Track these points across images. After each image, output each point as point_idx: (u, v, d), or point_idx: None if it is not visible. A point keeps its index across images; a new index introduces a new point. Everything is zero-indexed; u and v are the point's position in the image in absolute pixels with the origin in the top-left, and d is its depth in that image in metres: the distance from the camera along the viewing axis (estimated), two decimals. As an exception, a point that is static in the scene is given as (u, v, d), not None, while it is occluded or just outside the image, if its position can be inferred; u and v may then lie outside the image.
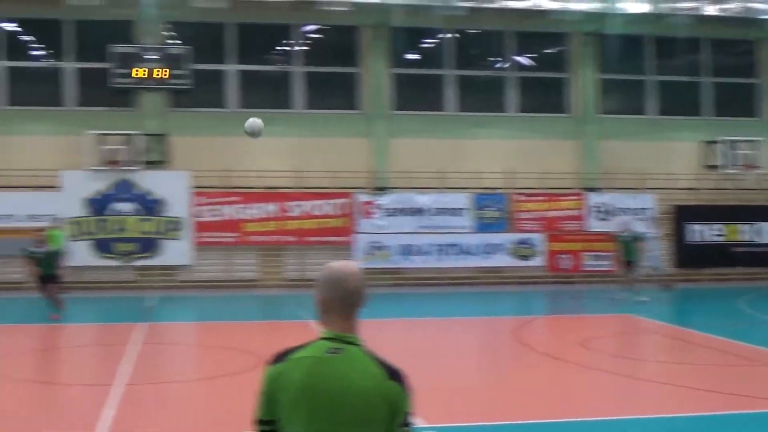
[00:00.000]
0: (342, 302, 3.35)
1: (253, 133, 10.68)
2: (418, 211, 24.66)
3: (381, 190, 24.77)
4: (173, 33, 24.80)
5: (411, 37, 26.40)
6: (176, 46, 23.62)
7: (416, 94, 26.73)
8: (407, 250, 24.46)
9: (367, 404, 3.24)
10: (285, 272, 24.10)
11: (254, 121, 10.62)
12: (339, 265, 3.43)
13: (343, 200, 24.36)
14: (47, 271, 18.01)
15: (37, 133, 23.57)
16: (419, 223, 24.56)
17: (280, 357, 3.35)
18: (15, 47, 24.64)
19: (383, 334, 13.71)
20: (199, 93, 24.15)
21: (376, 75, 25.57)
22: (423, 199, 24.74)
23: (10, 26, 24.69)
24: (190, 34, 24.64)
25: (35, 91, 24.76)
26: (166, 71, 22.94)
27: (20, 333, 16.22)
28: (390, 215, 24.52)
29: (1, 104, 24.30)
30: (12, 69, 24.28)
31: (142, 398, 10.23)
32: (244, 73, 25.20)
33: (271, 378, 3.32)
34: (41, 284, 18.03)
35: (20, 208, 22.68)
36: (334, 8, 24.10)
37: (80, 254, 22.69)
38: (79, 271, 22.16)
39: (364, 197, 24.54)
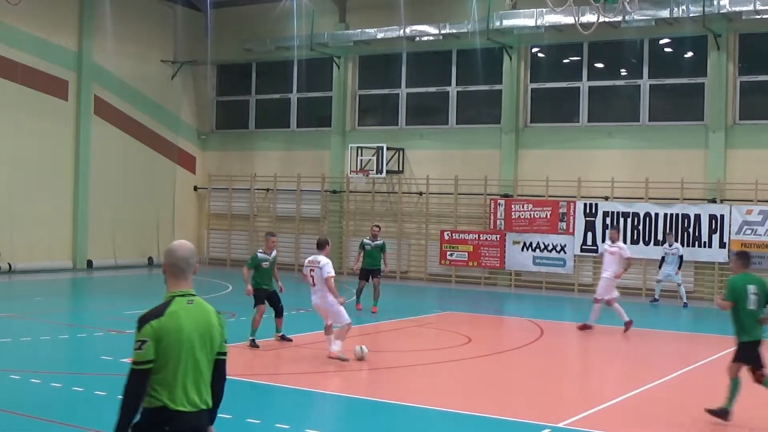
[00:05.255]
0: (187, 267, 5.16)
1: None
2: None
3: (713, 201, 25.21)
4: None
5: (758, 44, 25.91)
6: None
7: (763, 103, 26.06)
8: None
9: (216, 331, 5.17)
10: None
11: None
12: (178, 243, 5.23)
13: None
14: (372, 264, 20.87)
15: None
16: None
17: (157, 314, 4.97)
18: None
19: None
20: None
21: (718, 85, 25.51)
22: None
23: None
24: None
25: None
26: None
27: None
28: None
29: None
30: None
31: None
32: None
33: (156, 328, 4.91)
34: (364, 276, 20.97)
35: None
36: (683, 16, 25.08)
37: None
38: None
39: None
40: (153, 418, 5.00)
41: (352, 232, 30.67)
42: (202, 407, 5.11)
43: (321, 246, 14.46)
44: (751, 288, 10.54)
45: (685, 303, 23.83)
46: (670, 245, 24.29)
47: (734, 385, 10.67)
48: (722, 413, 10.64)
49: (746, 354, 10.64)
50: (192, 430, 5.08)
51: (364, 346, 14.58)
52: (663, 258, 24.46)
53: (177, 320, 5.02)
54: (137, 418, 5.02)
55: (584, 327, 18.54)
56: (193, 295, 5.19)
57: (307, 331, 16.67)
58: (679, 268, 24.08)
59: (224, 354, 5.29)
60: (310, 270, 14.20)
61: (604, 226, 26.38)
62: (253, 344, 15.37)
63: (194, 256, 5.26)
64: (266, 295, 15.71)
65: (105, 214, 30.61)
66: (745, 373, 10.82)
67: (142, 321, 4.99)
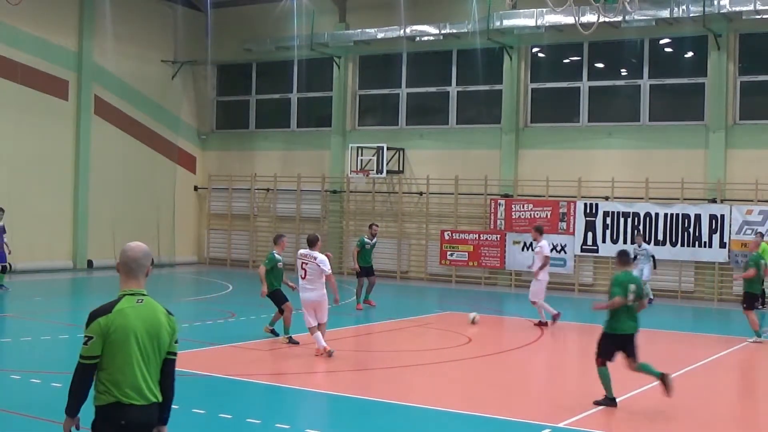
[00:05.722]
0: (138, 267, 5.40)
1: None
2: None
3: (713, 201, 25.18)
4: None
5: (759, 44, 25.82)
6: None
7: (763, 103, 26.01)
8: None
9: (165, 331, 5.37)
10: None
11: None
12: (132, 244, 5.48)
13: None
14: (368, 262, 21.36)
15: None
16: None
17: (104, 311, 5.22)
18: None
19: None
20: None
21: (718, 85, 25.47)
22: None
23: None
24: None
25: None
26: None
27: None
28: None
29: None
30: None
31: None
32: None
33: (103, 325, 5.17)
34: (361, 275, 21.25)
35: None
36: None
37: None
38: None
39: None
40: (108, 413, 5.24)
41: (352, 232, 30.66)
42: (153, 400, 5.34)
43: (313, 243, 14.75)
44: (632, 286, 11.41)
45: (650, 299, 23.82)
46: (639, 246, 24.35)
47: (643, 368, 11.48)
48: (666, 384, 11.28)
49: (605, 342, 11.53)
50: (146, 422, 5.33)
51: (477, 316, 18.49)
52: (635, 257, 24.51)
53: (124, 318, 5.27)
54: (94, 416, 5.30)
55: (555, 319, 18.97)
56: (144, 294, 5.44)
57: (307, 331, 16.64)
58: (655, 267, 24.25)
59: (174, 354, 5.49)
60: (303, 263, 14.53)
61: (605, 227, 26.41)
62: (291, 341, 15.64)
63: (147, 257, 5.50)
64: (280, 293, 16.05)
65: (105, 214, 30.59)
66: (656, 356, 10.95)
67: (91, 318, 5.27)
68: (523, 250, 27.53)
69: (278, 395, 12.26)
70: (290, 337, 15.77)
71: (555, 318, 18.98)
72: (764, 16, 24.79)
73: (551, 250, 26.84)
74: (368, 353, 16.26)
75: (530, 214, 27.44)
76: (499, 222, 28.04)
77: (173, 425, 10.09)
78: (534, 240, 19.64)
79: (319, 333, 14.48)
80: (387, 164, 29.23)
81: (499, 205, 28.05)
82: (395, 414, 11.12)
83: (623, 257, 11.91)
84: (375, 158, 29.27)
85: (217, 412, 10.61)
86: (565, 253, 26.89)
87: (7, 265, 23.69)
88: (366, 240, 21.57)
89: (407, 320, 19.92)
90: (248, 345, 15.64)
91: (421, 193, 29.99)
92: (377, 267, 23.03)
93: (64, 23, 29.97)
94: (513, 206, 27.79)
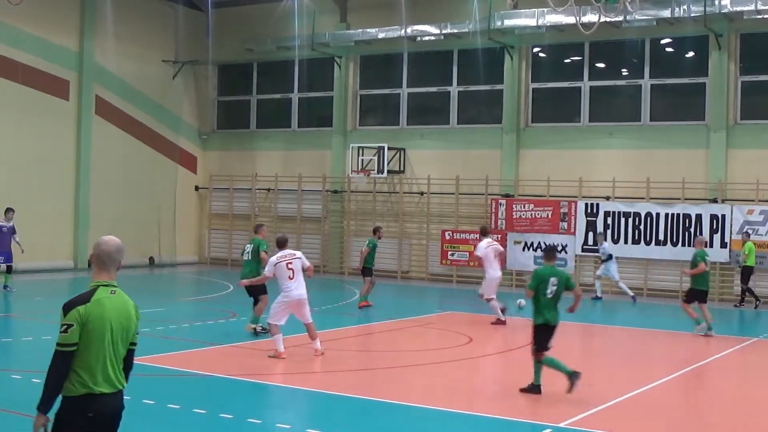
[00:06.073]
0: (110, 261, 5.61)
1: None
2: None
3: (714, 201, 25.24)
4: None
5: (760, 43, 25.77)
6: None
7: (764, 102, 26.00)
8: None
9: (133, 322, 5.68)
10: None
11: None
12: (106, 238, 5.69)
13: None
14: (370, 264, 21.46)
15: None
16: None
17: (83, 300, 5.47)
18: None
19: None
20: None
21: (719, 85, 25.54)
22: None
23: None
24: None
25: None
26: None
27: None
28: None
29: None
30: None
31: None
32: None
33: (82, 313, 5.40)
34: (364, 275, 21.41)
35: None
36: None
37: None
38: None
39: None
40: (77, 405, 5.38)
41: (353, 232, 30.68)
42: (119, 387, 5.56)
43: (285, 243, 14.92)
44: (553, 280, 12.03)
45: (632, 297, 24.80)
46: (600, 245, 25.10)
47: (550, 363, 11.97)
48: (534, 389, 12.05)
49: (537, 335, 12.09)
50: (112, 411, 5.52)
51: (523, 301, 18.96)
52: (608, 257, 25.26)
53: (101, 308, 5.51)
54: (60, 406, 5.41)
55: (497, 322, 19.24)
56: (115, 286, 5.68)
57: (302, 332, 16.64)
58: (603, 261, 24.99)
59: (135, 345, 5.76)
60: (288, 264, 14.46)
61: (606, 226, 26.40)
62: (264, 330, 15.83)
63: (119, 252, 5.70)
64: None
65: (106, 214, 30.58)
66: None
67: (69, 306, 5.50)
68: (524, 250, 27.53)
69: (279, 395, 12.26)
70: (256, 327, 16.22)
71: (498, 322, 19.31)
72: (765, 16, 24.79)
73: (555, 250, 27.07)
74: (368, 353, 16.26)
75: (531, 214, 27.44)
76: (500, 222, 28.02)
77: (174, 425, 10.13)
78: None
79: (280, 335, 14.35)
80: (388, 164, 29.24)
81: (500, 205, 28.04)
82: (396, 414, 11.12)
83: (548, 253, 12.66)
84: (376, 158, 29.27)
85: (217, 412, 10.61)
86: (566, 253, 26.87)
87: (13, 265, 23.76)
88: (376, 243, 21.72)
89: (408, 320, 19.92)
90: (249, 345, 15.63)
91: (422, 193, 29.99)
92: (378, 267, 23.06)
93: (65, 23, 29.98)
94: (514, 206, 27.79)
